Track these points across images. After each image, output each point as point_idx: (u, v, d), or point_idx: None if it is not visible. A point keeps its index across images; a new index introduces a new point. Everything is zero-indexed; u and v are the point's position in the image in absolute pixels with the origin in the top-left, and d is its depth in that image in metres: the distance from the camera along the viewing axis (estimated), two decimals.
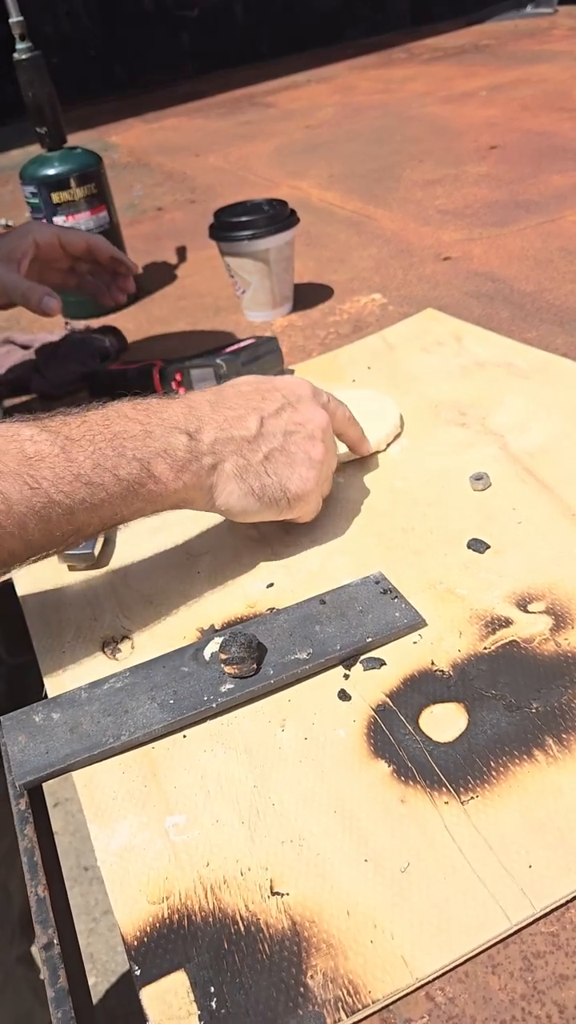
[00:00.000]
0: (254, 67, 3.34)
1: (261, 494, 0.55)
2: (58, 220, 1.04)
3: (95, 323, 1.04)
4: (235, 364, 0.85)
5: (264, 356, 0.88)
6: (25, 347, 1.00)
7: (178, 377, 0.87)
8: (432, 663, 0.48)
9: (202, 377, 0.85)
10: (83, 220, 1.05)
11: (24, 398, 0.93)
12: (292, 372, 0.90)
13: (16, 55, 0.98)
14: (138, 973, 0.36)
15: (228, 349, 0.87)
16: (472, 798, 0.40)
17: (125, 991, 1.36)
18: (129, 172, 1.97)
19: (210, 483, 0.54)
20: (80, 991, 0.39)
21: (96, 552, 0.60)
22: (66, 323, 1.06)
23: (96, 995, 1.36)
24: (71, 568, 0.61)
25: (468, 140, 1.64)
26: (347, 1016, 0.33)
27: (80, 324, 1.06)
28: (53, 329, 1.08)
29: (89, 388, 0.91)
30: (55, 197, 1.03)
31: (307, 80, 2.85)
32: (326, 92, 2.55)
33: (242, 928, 0.37)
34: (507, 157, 1.47)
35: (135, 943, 0.37)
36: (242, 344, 0.88)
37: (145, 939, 0.37)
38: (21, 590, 0.60)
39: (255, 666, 0.48)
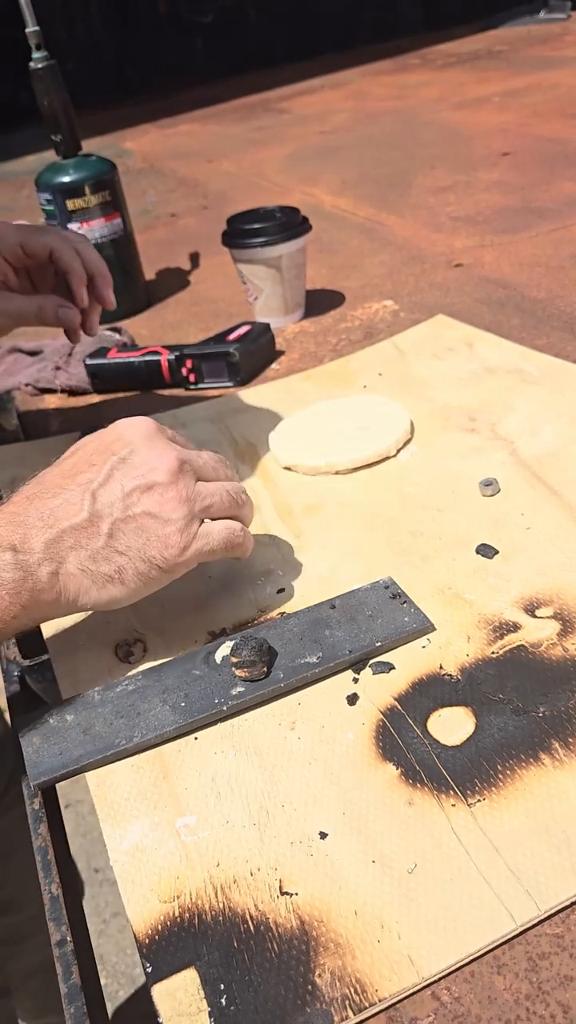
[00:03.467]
0: (267, 72, 3.35)
1: (121, 576, 0.48)
2: (73, 227, 1.05)
3: (103, 325, 1.05)
4: (245, 350, 0.86)
5: (262, 341, 0.90)
6: (33, 353, 1.01)
7: (188, 364, 0.88)
8: (440, 667, 0.48)
9: (213, 368, 0.87)
10: (97, 227, 1.07)
11: (50, 397, 0.94)
12: (283, 353, 0.92)
13: (32, 64, 0.99)
14: (149, 970, 0.36)
15: (230, 336, 0.89)
16: (479, 801, 0.41)
17: (134, 992, 1.36)
18: (143, 178, 1.99)
19: (56, 592, 0.47)
20: (92, 988, 0.40)
21: None
22: None
23: (106, 996, 1.37)
24: None
25: (480, 146, 1.65)
26: (354, 1014, 0.34)
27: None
28: (57, 335, 1.09)
29: (92, 382, 0.91)
30: (70, 204, 1.04)
31: (321, 85, 2.86)
32: (340, 98, 2.57)
33: (251, 927, 0.37)
34: (519, 163, 1.48)
35: (146, 941, 0.37)
36: (242, 331, 0.89)
37: (156, 937, 0.38)
38: None
39: (266, 669, 0.49)
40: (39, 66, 0.99)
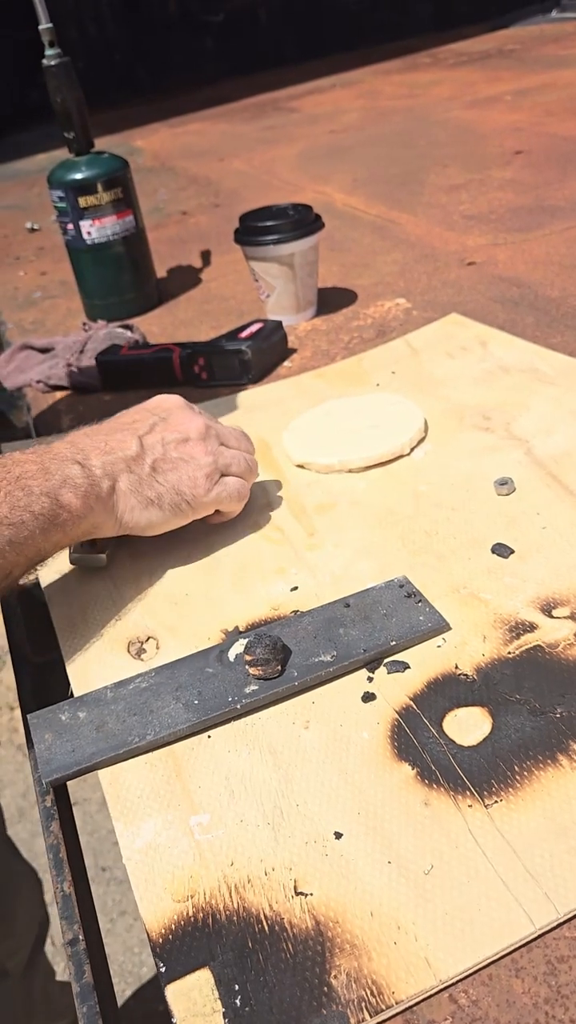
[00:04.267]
0: (278, 71, 3.35)
1: (160, 502, 0.58)
2: (84, 224, 1.05)
3: (114, 324, 1.05)
4: (257, 347, 0.86)
5: (274, 339, 0.90)
6: (44, 351, 1.01)
7: (200, 362, 0.87)
8: (456, 667, 0.48)
9: (225, 365, 0.86)
10: (109, 224, 1.06)
11: (61, 394, 0.94)
12: (295, 351, 0.91)
13: (45, 61, 0.99)
14: (163, 970, 0.36)
15: (242, 334, 0.88)
16: (496, 802, 0.40)
17: (143, 991, 1.36)
18: (154, 176, 1.99)
19: (112, 503, 0.56)
20: (104, 987, 0.39)
21: (105, 556, 0.61)
22: (83, 324, 1.07)
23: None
24: (83, 570, 0.62)
25: (493, 145, 1.64)
26: (371, 1016, 0.33)
27: (99, 323, 1.06)
28: (68, 332, 1.09)
29: (103, 378, 0.91)
30: (82, 201, 1.04)
31: (331, 84, 2.86)
32: (350, 96, 2.56)
33: (266, 927, 0.37)
34: (532, 162, 1.47)
35: (160, 940, 0.37)
36: (254, 328, 0.89)
37: (170, 936, 0.37)
38: (47, 590, 0.60)
39: (279, 668, 0.48)
40: (52, 63, 0.99)
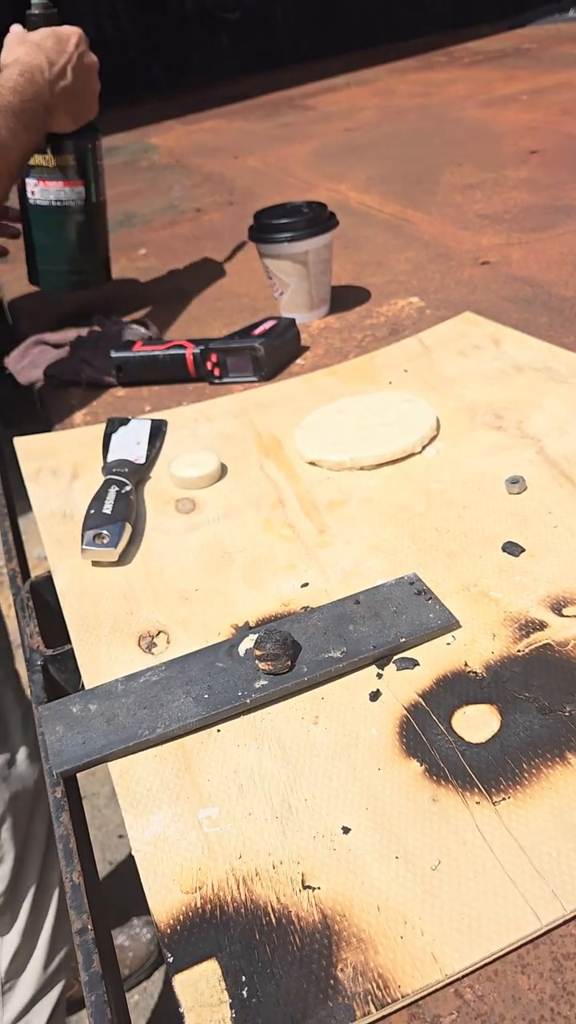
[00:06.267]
0: (293, 69, 3.35)
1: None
2: (30, 182, 1.00)
3: (127, 318, 1.05)
4: (270, 345, 0.86)
5: (287, 336, 0.90)
6: (57, 346, 1.02)
7: (214, 358, 0.88)
8: (465, 664, 0.48)
9: (238, 362, 0.87)
10: (54, 189, 1.01)
11: (75, 389, 0.94)
12: (308, 349, 0.93)
13: (30, 11, 0.96)
14: (171, 960, 0.36)
15: (256, 331, 0.89)
16: (504, 799, 0.40)
17: (147, 986, 1.37)
18: (169, 173, 1.99)
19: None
20: (112, 976, 0.40)
21: (118, 551, 0.61)
22: (97, 319, 1.07)
23: None
24: (95, 564, 0.62)
25: (508, 144, 1.63)
26: (376, 1010, 0.34)
27: (112, 319, 1.06)
28: (80, 328, 1.09)
29: (117, 375, 0.91)
30: (33, 159, 1.00)
31: (346, 83, 2.86)
32: (365, 95, 2.56)
33: (273, 920, 0.37)
34: (547, 161, 1.47)
35: (168, 931, 0.37)
36: (267, 326, 0.89)
37: (178, 927, 0.37)
38: (59, 583, 0.61)
39: (289, 663, 0.48)
40: (35, 12, 0.96)
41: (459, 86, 2.36)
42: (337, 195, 1.51)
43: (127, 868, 1.48)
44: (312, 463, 0.70)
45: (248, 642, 0.51)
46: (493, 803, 0.40)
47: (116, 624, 0.56)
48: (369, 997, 0.34)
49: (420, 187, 1.47)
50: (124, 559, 0.62)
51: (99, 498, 0.66)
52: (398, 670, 0.49)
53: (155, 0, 4.01)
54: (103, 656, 0.54)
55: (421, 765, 0.43)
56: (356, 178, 1.61)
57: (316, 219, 0.94)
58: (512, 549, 0.56)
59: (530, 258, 1.06)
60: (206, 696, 0.48)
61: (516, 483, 0.61)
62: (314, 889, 0.38)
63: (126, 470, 0.70)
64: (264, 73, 3.40)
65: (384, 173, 1.61)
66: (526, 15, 3.40)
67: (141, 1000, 1.40)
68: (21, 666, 1.14)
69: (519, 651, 0.48)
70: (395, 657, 0.49)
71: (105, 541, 0.61)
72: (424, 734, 0.44)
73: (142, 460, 0.73)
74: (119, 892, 1.48)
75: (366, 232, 1.29)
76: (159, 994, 1.41)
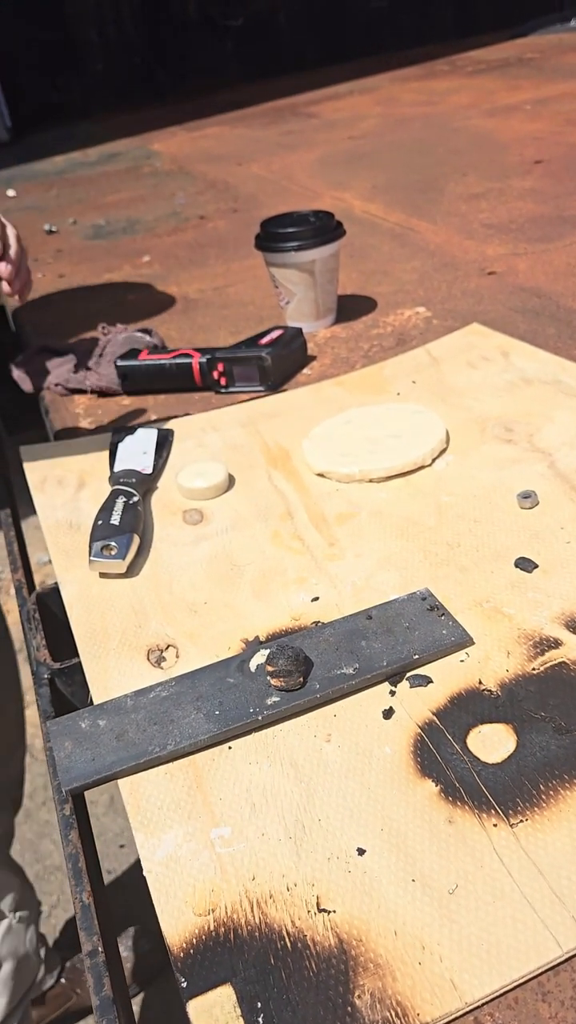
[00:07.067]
0: (297, 77, 3.35)
1: None
2: None
3: (132, 326, 1.04)
4: (277, 354, 0.86)
5: (294, 346, 0.89)
6: (62, 354, 1.01)
7: (220, 368, 0.87)
8: (480, 682, 0.48)
9: (245, 372, 0.86)
10: None
11: (79, 397, 0.94)
12: (315, 359, 0.92)
13: None
14: (184, 985, 0.36)
15: (262, 340, 0.88)
16: (521, 821, 0.40)
17: (152, 1000, 1.36)
18: (172, 180, 1.99)
19: None
20: (122, 998, 0.39)
21: (126, 562, 0.61)
22: (102, 327, 1.07)
23: None
24: (102, 576, 0.61)
25: (513, 153, 1.64)
26: None
27: (117, 327, 1.06)
28: (84, 336, 1.08)
29: (123, 383, 0.91)
30: None
31: (350, 91, 2.86)
32: (369, 103, 2.56)
33: (288, 944, 0.37)
34: (553, 171, 1.47)
35: (181, 955, 0.37)
36: (274, 335, 0.89)
37: (192, 951, 0.37)
38: (66, 595, 0.60)
39: (302, 679, 0.48)
40: None
41: (462, 95, 2.36)
42: (342, 203, 1.50)
43: (127, 879, 1.47)
44: (321, 474, 0.70)
45: (259, 657, 0.50)
46: (511, 825, 0.40)
47: (124, 637, 0.56)
48: None
49: (425, 196, 1.47)
50: (132, 571, 0.62)
51: (106, 509, 0.65)
52: (411, 687, 0.48)
53: (159, 6, 4.02)
54: (112, 670, 0.53)
55: (436, 785, 0.42)
56: (360, 186, 1.61)
57: (323, 228, 0.94)
58: (525, 565, 0.55)
59: (537, 268, 1.06)
60: (217, 712, 0.47)
61: (528, 498, 0.61)
62: (329, 912, 0.37)
63: (133, 480, 0.69)
64: (267, 80, 3.41)
65: (388, 182, 1.61)
66: (528, 24, 3.41)
67: (138, 1012, 1.39)
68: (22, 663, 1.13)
69: (534, 669, 0.48)
70: (408, 674, 0.49)
71: (113, 552, 0.61)
72: (439, 753, 0.44)
73: (149, 470, 0.72)
74: (120, 901, 1.48)
75: (371, 241, 1.28)
76: (156, 1006, 1.40)
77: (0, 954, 1.03)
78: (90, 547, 0.61)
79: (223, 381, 0.88)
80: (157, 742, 0.46)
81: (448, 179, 1.54)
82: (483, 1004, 0.34)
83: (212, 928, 0.38)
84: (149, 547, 0.64)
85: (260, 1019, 0.34)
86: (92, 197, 1.95)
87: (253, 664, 0.50)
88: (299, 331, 0.92)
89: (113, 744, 0.47)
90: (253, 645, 0.53)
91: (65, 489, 0.73)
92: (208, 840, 0.42)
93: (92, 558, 0.61)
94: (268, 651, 0.49)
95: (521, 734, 0.44)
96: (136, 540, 0.63)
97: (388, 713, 0.47)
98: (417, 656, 0.49)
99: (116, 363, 0.91)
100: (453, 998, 0.34)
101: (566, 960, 0.35)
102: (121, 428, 0.79)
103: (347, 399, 0.81)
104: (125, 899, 1.48)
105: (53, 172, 2.34)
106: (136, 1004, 1.38)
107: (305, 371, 0.91)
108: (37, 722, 1.47)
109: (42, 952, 1.11)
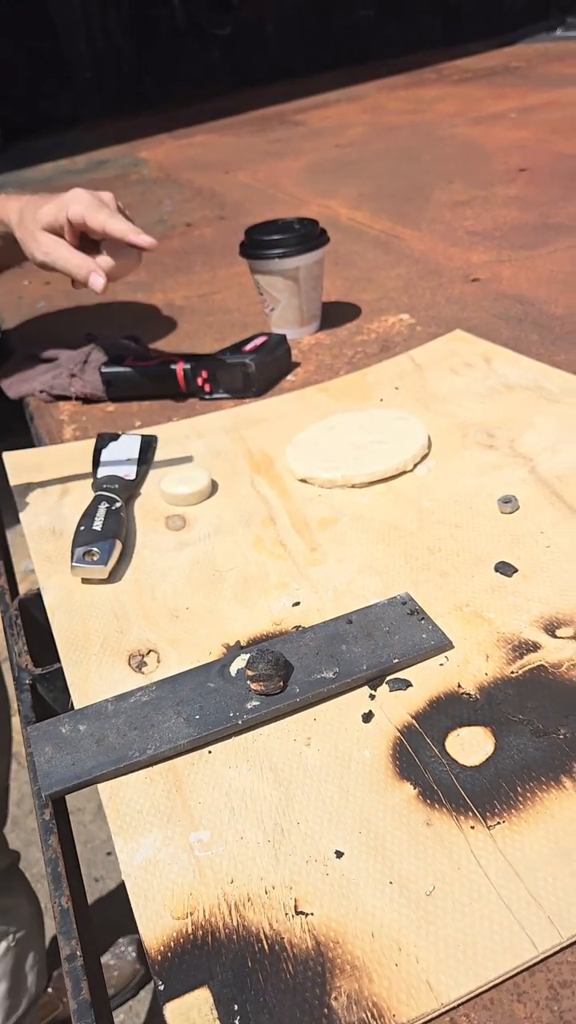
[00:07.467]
0: (284, 85, 3.36)
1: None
2: None
3: (118, 333, 1.05)
4: (261, 361, 0.86)
5: (278, 352, 0.90)
6: (47, 361, 1.01)
7: (204, 374, 0.87)
8: (459, 686, 0.48)
9: (229, 378, 0.87)
10: None
11: (64, 404, 0.94)
12: (299, 365, 0.93)
13: None
14: (162, 988, 0.36)
15: (246, 347, 0.89)
16: (498, 823, 0.40)
17: (133, 1005, 1.36)
18: (159, 187, 1.99)
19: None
20: (101, 1003, 0.39)
21: (108, 568, 0.61)
22: (87, 334, 1.07)
23: None
24: (84, 581, 0.61)
25: (498, 162, 1.65)
26: None
27: (102, 334, 1.06)
28: (71, 342, 1.08)
29: (107, 390, 0.91)
30: None
31: (337, 99, 2.87)
32: (356, 111, 2.57)
33: (266, 947, 0.37)
34: (537, 179, 1.48)
35: (159, 958, 0.37)
36: (258, 342, 0.89)
37: (169, 954, 0.37)
38: (48, 600, 0.60)
39: (282, 684, 0.48)
40: None
41: (449, 103, 2.38)
42: (328, 211, 1.51)
43: (114, 885, 1.47)
44: (303, 480, 0.70)
45: (240, 662, 0.50)
46: (488, 827, 0.40)
47: (106, 642, 0.56)
48: None
49: (410, 204, 1.48)
50: (114, 576, 0.62)
51: (89, 515, 0.65)
52: (391, 691, 0.48)
53: (148, 16, 4.03)
54: (93, 675, 0.53)
55: (415, 788, 0.42)
56: (347, 194, 1.61)
57: (307, 235, 0.95)
58: (505, 569, 0.56)
59: (520, 276, 1.07)
60: (197, 717, 0.48)
61: (508, 503, 0.61)
62: (307, 915, 0.38)
63: (116, 486, 0.70)
64: (255, 88, 3.42)
65: (374, 189, 1.62)
66: (515, 33, 3.43)
67: (127, 1019, 1.38)
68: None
69: (513, 673, 0.48)
70: (388, 678, 0.49)
71: (95, 558, 0.61)
72: (417, 756, 0.44)
73: (132, 476, 0.72)
74: (106, 909, 1.47)
75: (356, 248, 1.29)
76: (145, 1012, 1.40)
77: None
78: (72, 553, 0.61)
79: (207, 387, 0.88)
80: (137, 746, 0.46)
81: (434, 187, 1.55)
82: (459, 1005, 0.34)
83: (190, 931, 0.38)
84: (132, 553, 0.64)
85: (236, 1021, 0.34)
86: None
87: (233, 668, 0.50)
88: (283, 338, 0.92)
89: (93, 749, 0.47)
90: (234, 650, 0.53)
91: (48, 495, 0.73)
92: (187, 844, 0.42)
93: (74, 564, 0.61)
94: (248, 655, 0.49)
95: (499, 737, 0.44)
96: (118, 546, 0.63)
97: (368, 717, 0.47)
98: (397, 660, 0.49)
99: (101, 370, 0.91)
100: (429, 999, 0.34)
101: (541, 961, 0.35)
102: (105, 434, 0.79)
103: (331, 405, 0.82)
104: (116, 907, 1.48)
105: (41, 179, 2.34)
106: (137, 1004, 1.38)
107: (289, 377, 0.91)
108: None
109: (37, 970, 1.11)
